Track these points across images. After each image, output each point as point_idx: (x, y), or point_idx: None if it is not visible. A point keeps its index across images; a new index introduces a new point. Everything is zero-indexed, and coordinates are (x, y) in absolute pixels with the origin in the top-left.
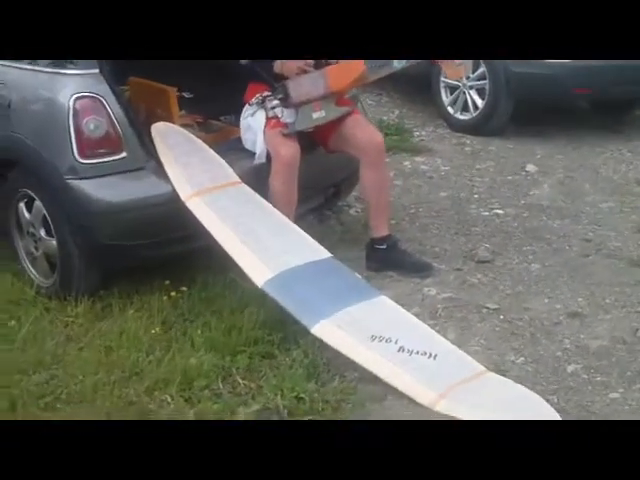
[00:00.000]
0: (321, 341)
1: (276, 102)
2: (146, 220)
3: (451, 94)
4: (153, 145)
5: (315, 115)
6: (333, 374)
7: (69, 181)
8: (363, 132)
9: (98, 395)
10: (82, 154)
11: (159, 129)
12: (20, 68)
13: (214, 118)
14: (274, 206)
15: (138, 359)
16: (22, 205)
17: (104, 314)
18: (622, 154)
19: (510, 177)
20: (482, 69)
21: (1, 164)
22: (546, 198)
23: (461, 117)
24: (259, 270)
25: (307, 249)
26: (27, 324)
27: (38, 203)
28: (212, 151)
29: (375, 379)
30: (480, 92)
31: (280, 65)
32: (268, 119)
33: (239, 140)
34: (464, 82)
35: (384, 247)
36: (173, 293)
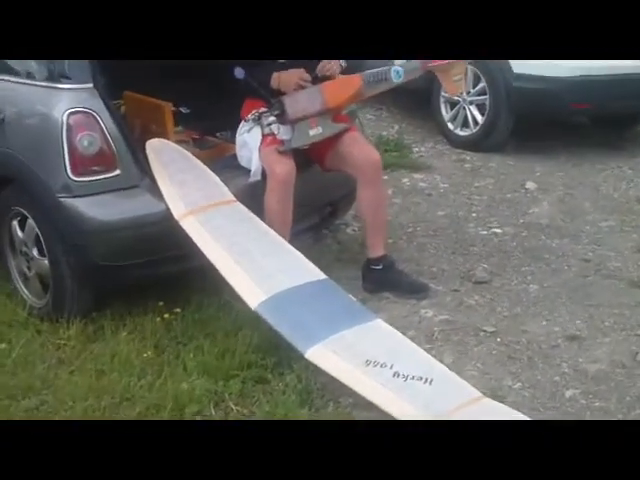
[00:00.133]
0: (315, 365)
1: (272, 118)
2: (140, 239)
3: (451, 109)
4: (147, 162)
5: (312, 132)
6: (327, 400)
7: (62, 199)
8: (360, 150)
9: None
10: (75, 171)
11: (154, 146)
12: (14, 82)
13: (211, 134)
14: (269, 224)
15: (129, 384)
16: (15, 223)
17: (96, 336)
18: (623, 171)
19: (509, 195)
20: (482, 84)
21: None
22: (545, 216)
23: (461, 133)
24: (252, 292)
25: (302, 270)
26: (18, 347)
27: (31, 221)
28: (207, 169)
29: (370, 405)
30: (480, 108)
31: (277, 80)
32: (264, 136)
33: (235, 157)
34: (464, 97)
35: (380, 267)
36: (167, 315)
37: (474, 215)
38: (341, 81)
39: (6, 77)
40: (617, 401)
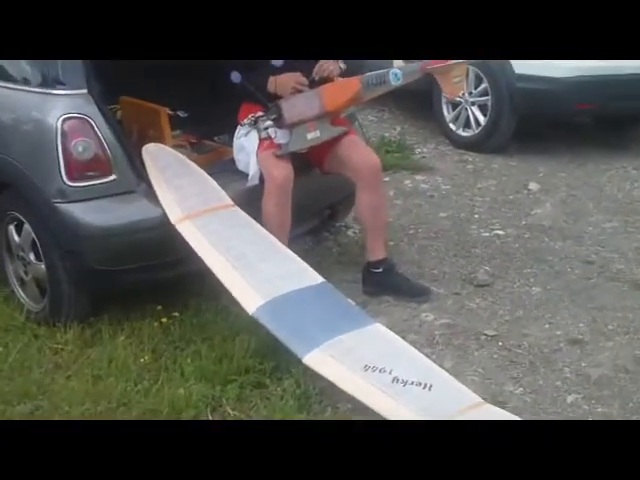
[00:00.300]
0: (314, 370)
1: (269, 122)
2: (137, 244)
3: (453, 110)
4: (144, 167)
5: (309, 135)
6: (325, 405)
7: (57, 205)
8: (358, 153)
9: None
10: (70, 177)
11: (150, 151)
12: (9, 88)
13: (208, 138)
14: (267, 229)
15: (126, 389)
16: (12, 228)
17: (94, 341)
18: (627, 172)
19: (512, 196)
20: (484, 85)
21: None
22: (548, 218)
23: (463, 134)
24: (250, 296)
25: (300, 274)
26: (15, 351)
27: (27, 226)
28: (204, 173)
29: (369, 410)
30: (482, 108)
31: (273, 84)
32: (261, 140)
33: (232, 161)
34: (466, 98)
35: (380, 271)
36: (164, 319)
37: (476, 217)
38: (339, 84)
39: (1, 83)
40: (620, 407)
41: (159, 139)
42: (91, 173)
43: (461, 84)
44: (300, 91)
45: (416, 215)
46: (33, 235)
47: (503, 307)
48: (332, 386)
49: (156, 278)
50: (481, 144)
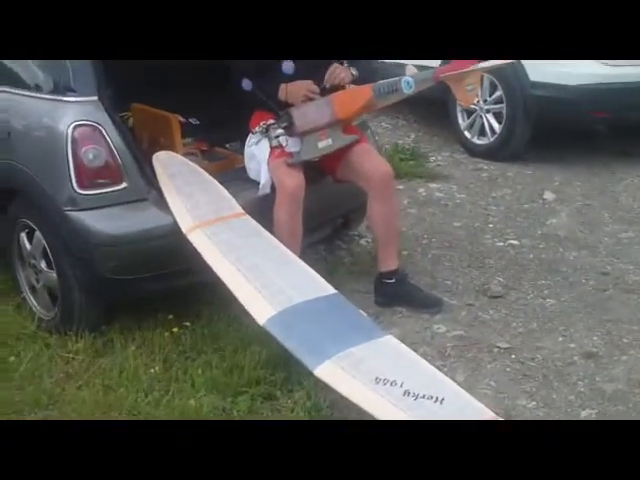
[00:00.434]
0: (324, 382)
1: (280, 131)
2: (148, 253)
3: (468, 118)
4: (155, 175)
5: (321, 144)
6: (336, 418)
7: (68, 212)
8: (370, 162)
9: None
10: (81, 185)
11: (161, 158)
12: (21, 95)
13: (220, 145)
14: (278, 238)
15: (137, 400)
16: (23, 235)
17: (105, 350)
18: None
19: (527, 205)
20: (499, 92)
21: (2, 193)
22: (563, 228)
23: (478, 142)
24: (261, 307)
25: (311, 285)
26: (26, 360)
27: (38, 234)
28: (215, 181)
29: None
30: (497, 116)
31: (284, 92)
32: (272, 148)
33: (244, 169)
34: (481, 106)
35: (392, 281)
36: (176, 329)
37: (490, 226)
38: (351, 92)
39: (13, 90)
40: None
41: (170, 147)
42: (102, 181)
43: (475, 92)
44: (311, 99)
45: (430, 224)
46: (44, 243)
47: (516, 319)
48: (343, 398)
49: (168, 287)
50: (496, 152)
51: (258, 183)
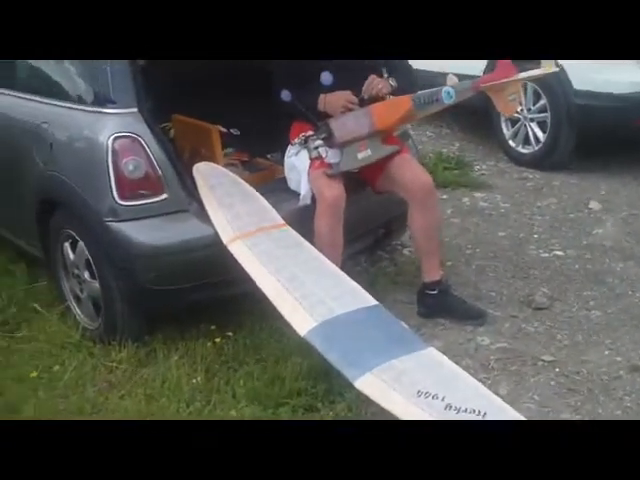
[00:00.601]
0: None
1: (319, 142)
2: (189, 263)
3: (512, 127)
4: (195, 186)
5: (360, 155)
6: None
7: (109, 223)
8: (410, 172)
9: None
10: (122, 196)
11: (201, 170)
12: (62, 106)
13: (261, 156)
14: (319, 249)
15: (178, 410)
16: (67, 245)
17: (148, 360)
18: None
19: (572, 215)
20: (543, 101)
21: (45, 204)
22: (609, 238)
23: (523, 150)
24: (302, 318)
25: (352, 296)
26: (71, 369)
27: (81, 244)
28: (256, 192)
29: None
30: (542, 125)
31: (323, 103)
32: (312, 159)
33: (284, 180)
34: (525, 115)
35: (435, 292)
36: (218, 339)
37: (535, 236)
38: (390, 102)
39: (55, 101)
40: None
41: (211, 157)
42: (142, 192)
43: (515, 102)
44: (350, 110)
45: (474, 234)
46: (87, 253)
47: (561, 331)
48: (384, 411)
49: (209, 297)
50: (541, 161)
51: (298, 194)
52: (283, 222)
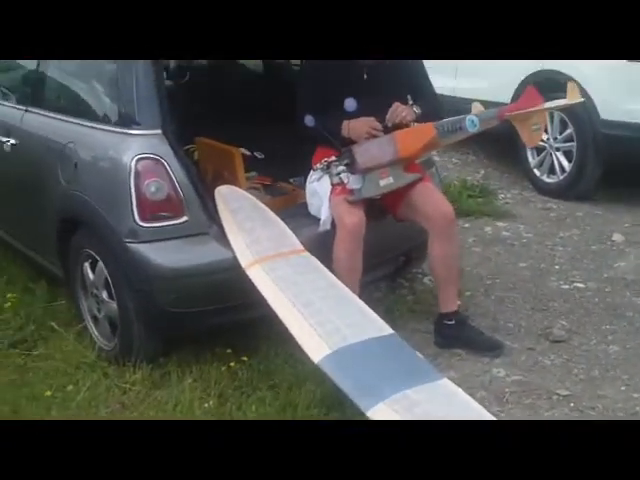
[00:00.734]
0: None
1: (342, 168)
2: (207, 286)
3: (538, 155)
4: (217, 209)
5: (382, 182)
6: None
7: (129, 244)
8: (431, 202)
9: None
10: (142, 217)
11: (222, 193)
12: (88, 126)
13: (284, 180)
14: (337, 275)
15: None
16: (87, 265)
17: (162, 382)
18: None
19: (595, 247)
20: (569, 130)
21: (67, 223)
22: (631, 271)
23: (548, 180)
24: (316, 345)
25: (368, 324)
26: (84, 389)
27: (101, 264)
28: (276, 217)
29: None
30: (567, 154)
31: (347, 129)
32: (333, 185)
33: (305, 205)
34: (551, 144)
35: (452, 323)
36: (233, 363)
37: (557, 268)
38: (414, 130)
39: (81, 121)
40: None
41: (233, 180)
42: (163, 214)
43: (540, 132)
44: (374, 136)
45: (495, 264)
46: (106, 273)
47: (578, 365)
48: None
49: (227, 321)
50: (566, 191)
51: (319, 219)
52: (302, 248)
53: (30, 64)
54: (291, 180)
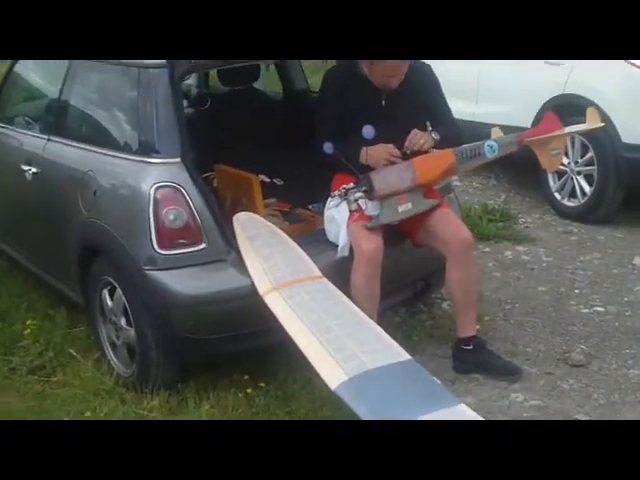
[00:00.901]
0: None
1: (360, 194)
2: (225, 313)
3: (559, 179)
4: (235, 236)
5: (400, 208)
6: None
7: (147, 271)
8: (449, 227)
9: None
10: (161, 245)
11: (241, 220)
12: (108, 154)
13: (303, 206)
14: (355, 301)
15: None
16: (105, 292)
17: (179, 408)
18: None
19: (615, 270)
20: (590, 154)
21: (87, 250)
22: None
23: (568, 204)
24: (333, 371)
25: (386, 350)
26: (101, 416)
27: (119, 291)
28: (294, 243)
29: None
30: (588, 178)
31: (365, 156)
32: (351, 212)
33: (323, 231)
34: (572, 167)
35: (470, 348)
36: (250, 389)
37: (576, 292)
38: (433, 156)
39: (101, 149)
40: None
41: (251, 207)
42: (182, 241)
43: (559, 156)
44: (392, 163)
45: (514, 289)
46: (124, 300)
47: (597, 390)
48: None
49: (245, 347)
50: (587, 215)
51: (337, 246)
52: (320, 274)
53: (53, 93)
54: (310, 206)
